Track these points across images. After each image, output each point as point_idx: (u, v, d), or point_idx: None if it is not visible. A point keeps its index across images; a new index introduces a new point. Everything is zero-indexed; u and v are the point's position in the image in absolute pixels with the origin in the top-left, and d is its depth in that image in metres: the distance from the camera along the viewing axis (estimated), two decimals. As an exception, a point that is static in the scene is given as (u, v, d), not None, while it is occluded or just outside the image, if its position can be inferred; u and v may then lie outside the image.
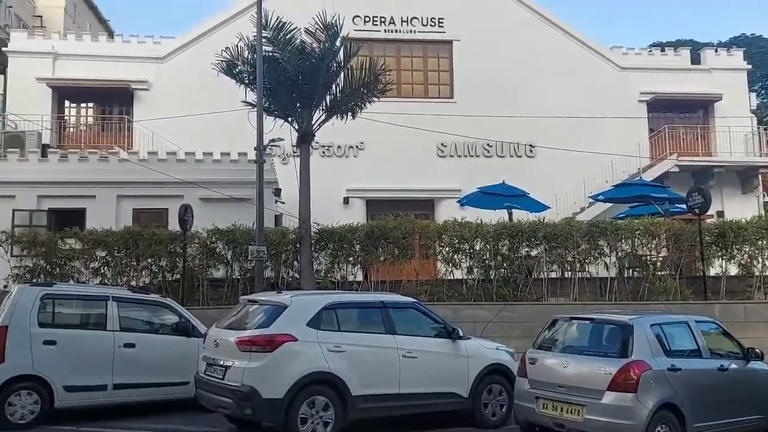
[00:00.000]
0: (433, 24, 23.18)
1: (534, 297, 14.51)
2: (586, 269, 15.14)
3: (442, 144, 22.47)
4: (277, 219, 18.45)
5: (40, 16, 39.92)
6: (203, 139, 19.21)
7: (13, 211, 16.53)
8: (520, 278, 14.62)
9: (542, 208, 17.00)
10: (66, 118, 22.29)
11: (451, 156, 22.68)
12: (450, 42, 23.26)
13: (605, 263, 15.06)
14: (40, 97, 21.17)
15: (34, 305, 8.41)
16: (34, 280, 13.05)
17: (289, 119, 15.62)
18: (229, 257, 14.68)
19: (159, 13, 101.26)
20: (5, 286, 9.51)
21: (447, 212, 18.96)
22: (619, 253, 15.10)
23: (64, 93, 21.93)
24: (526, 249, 14.88)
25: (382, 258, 14.74)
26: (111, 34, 29.67)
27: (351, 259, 14.91)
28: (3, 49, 22.48)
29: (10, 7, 38.08)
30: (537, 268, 14.85)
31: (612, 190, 19.50)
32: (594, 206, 20.98)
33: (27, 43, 22.08)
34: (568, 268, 15.23)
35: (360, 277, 15.25)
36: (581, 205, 21.70)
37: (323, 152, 21.48)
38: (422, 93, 23.17)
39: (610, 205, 20.30)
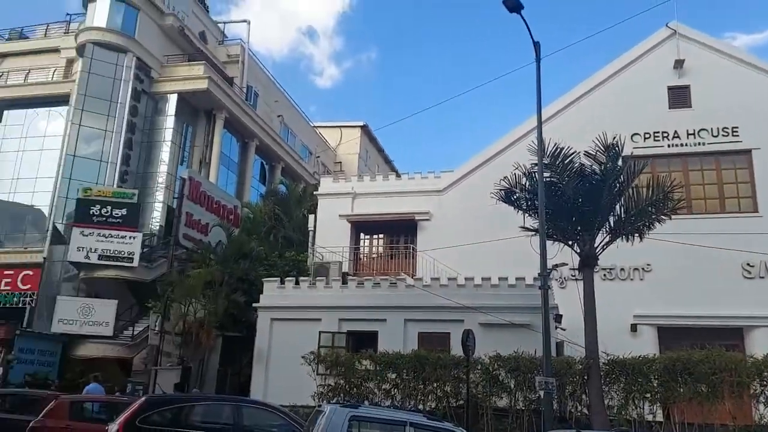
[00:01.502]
0: (725, 134, 21.19)
1: None
2: None
3: (748, 264, 19.57)
4: (559, 346, 17.62)
5: (340, 162, 47.08)
6: (480, 265, 19.67)
7: (320, 332, 18.55)
8: None
9: None
10: (360, 248, 24.97)
11: (762, 277, 19.55)
12: (748, 151, 20.90)
13: None
14: (341, 231, 24.15)
15: (343, 426, 9.00)
16: (335, 400, 14.24)
17: (570, 242, 15.30)
18: (512, 386, 14.31)
19: (431, 153, 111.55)
20: (319, 406, 10.39)
21: (763, 343, 16.17)
22: None
23: (360, 227, 24.74)
24: None
25: (686, 396, 12.92)
26: (396, 172, 33.31)
27: (648, 395, 13.38)
28: (314, 192, 26.63)
29: (318, 157, 45.73)
30: None
31: None
32: None
33: (332, 186, 25.74)
34: None
35: (660, 416, 13.50)
36: None
37: (604, 275, 20.30)
38: (718, 208, 20.86)
39: None
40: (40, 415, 12.01)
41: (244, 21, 39.71)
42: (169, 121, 30.38)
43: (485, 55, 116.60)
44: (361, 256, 24.85)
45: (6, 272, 26.05)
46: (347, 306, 19.08)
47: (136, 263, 25.07)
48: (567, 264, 16.00)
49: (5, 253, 27.56)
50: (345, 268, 22.87)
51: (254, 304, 19.98)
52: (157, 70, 30.69)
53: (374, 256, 24.89)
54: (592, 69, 23.98)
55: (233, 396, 13.65)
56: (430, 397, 15.11)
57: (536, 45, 13.72)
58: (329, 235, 23.69)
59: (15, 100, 30.49)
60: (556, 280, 19.71)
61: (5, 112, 30.68)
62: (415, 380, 15.14)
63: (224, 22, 40.43)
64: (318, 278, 20.42)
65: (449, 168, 24.74)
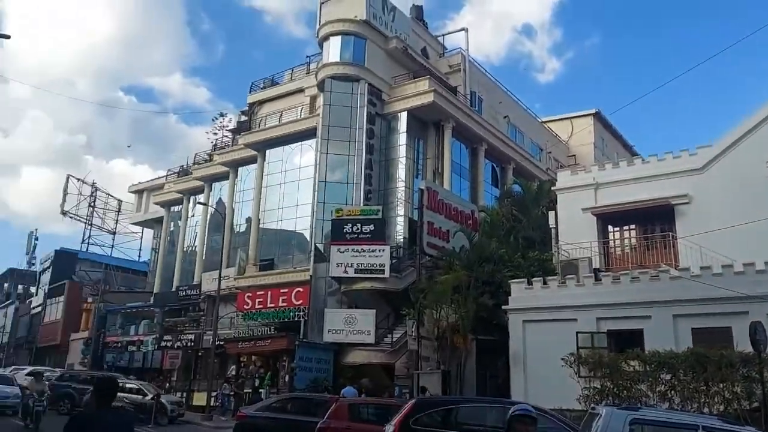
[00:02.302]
0: None
1: None
2: None
3: None
4: None
5: (574, 155, 44.97)
6: (759, 248, 17.01)
7: (577, 333, 17.62)
8: None
9: None
10: (610, 241, 23.30)
11: None
12: None
13: None
14: (586, 225, 22.80)
15: (623, 429, 8.31)
16: (604, 403, 13.31)
17: None
18: (825, 387, 11.97)
19: (675, 131, 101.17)
20: (593, 408, 9.77)
21: None
22: None
23: (607, 218, 23.10)
24: None
25: None
26: (641, 157, 30.60)
27: None
28: (552, 188, 25.67)
29: (549, 152, 44.27)
30: None
31: None
32: None
33: (570, 179, 24.51)
34: None
35: None
36: None
37: None
38: None
39: None
40: (325, 417, 13.19)
41: (462, 30, 40.20)
42: (401, 138, 31.93)
43: (714, 21, 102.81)
44: (611, 249, 23.21)
45: (282, 291, 29.58)
46: (604, 304, 17.90)
47: (387, 274, 26.65)
48: None
49: (279, 273, 31.36)
50: (595, 263, 21.55)
51: (503, 307, 19.78)
52: (386, 91, 32.51)
53: (626, 248, 23.06)
54: None
55: (499, 399, 13.55)
56: (716, 399, 13.35)
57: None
58: (572, 231, 22.57)
59: (273, 140, 34.71)
60: None
61: (267, 152, 35.10)
62: (695, 381, 13.51)
63: (442, 35, 41.37)
64: (567, 276, 19.52)
65: (704, 143, 21.97)
